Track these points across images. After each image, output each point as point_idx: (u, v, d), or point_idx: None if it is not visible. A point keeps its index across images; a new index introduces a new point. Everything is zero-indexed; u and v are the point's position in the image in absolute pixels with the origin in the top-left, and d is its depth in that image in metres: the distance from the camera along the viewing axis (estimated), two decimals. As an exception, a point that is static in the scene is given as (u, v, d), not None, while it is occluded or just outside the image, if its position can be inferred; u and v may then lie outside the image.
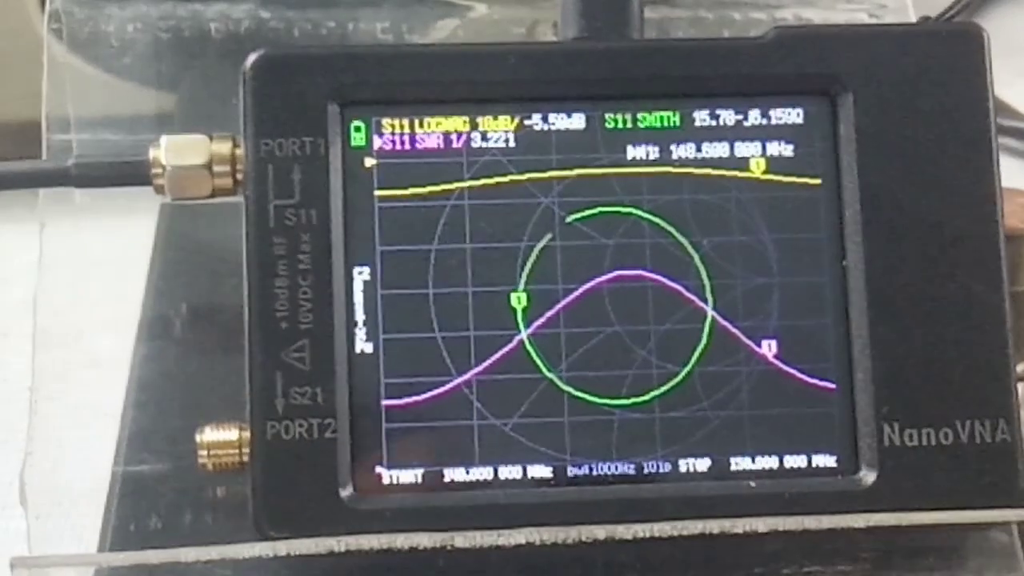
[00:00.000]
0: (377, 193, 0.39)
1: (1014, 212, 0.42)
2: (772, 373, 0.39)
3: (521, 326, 0.39)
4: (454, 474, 0.38)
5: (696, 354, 0.39)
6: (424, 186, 0.39)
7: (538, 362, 0.39)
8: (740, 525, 0.37)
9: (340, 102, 0.39)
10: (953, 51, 0.40)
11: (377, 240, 0.39)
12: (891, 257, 0.39)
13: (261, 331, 0.38)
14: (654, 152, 0.40)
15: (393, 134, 0.39)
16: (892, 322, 0.38)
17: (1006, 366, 0.38)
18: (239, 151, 0.39)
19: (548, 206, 0.39)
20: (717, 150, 0.40)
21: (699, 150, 0.40)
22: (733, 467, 0.38)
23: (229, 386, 0.39)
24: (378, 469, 0.38)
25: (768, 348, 0.39)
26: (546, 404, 0.38)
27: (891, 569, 0.38)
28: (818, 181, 0.40)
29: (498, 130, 0.39)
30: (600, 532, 0.36)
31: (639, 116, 0.40)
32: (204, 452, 0.38)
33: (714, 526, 0.37)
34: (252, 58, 0.39)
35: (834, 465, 0.39)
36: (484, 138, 0.39)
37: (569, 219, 0.39)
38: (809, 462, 0.39)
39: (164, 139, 0.39)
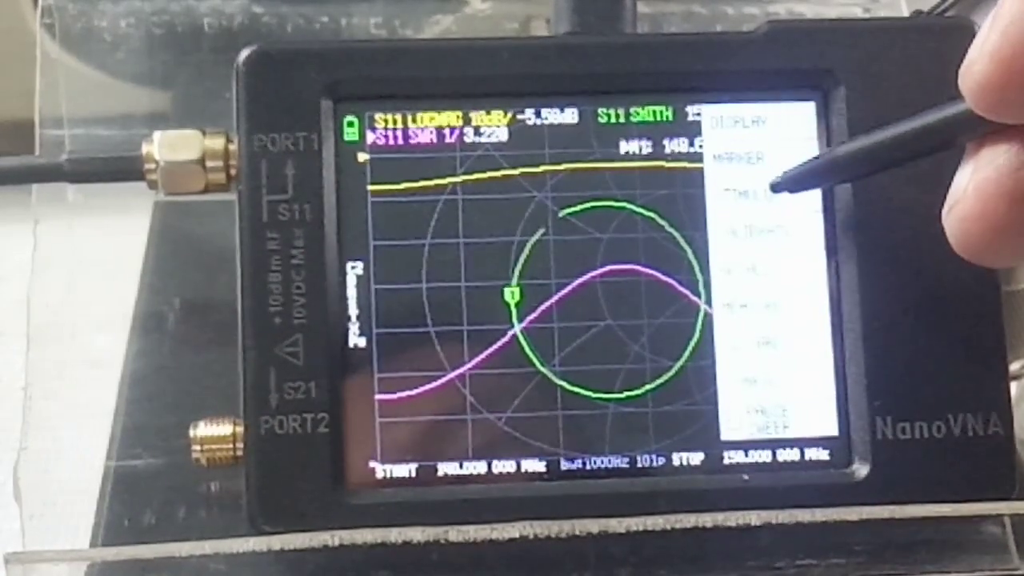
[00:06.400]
0: (370, 188, 0.39)
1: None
2: (765, 367, 0.39)
3: (514, 320, 0.39)
4: (447, 468, 0.38)
5: (689, 348, 0.39)
6: (417, 181, 0.39)
7: (531, 356, 0.39)
8: (733, 519, 0.37)
9: (333, 97, 0.39)
10: (945, 45, 0.40)
11: (370, 235, 0.39)
12: (884, 251, 0.39)
13: (254, 326, 0.38)
14: (647, 146, 0.40)
15: (386, 129, 0.39)
16: (885, 316, 0.39)
17: (998, 359, 0.39)
18: (232, 146, 0.39)
19: (541, 200, 0.39)
20: (710, 144, 0.40)
21: (692, 144, 0.40)
22: (726, 461, 0.39)
23: (223, 381, 0.39)
24: (371, 464, 0.38)
25: (761, 342, 0.39)
26: (539, 398, 0.38)
27: (884, 562, 0.38)
28: (811, 175, 0.40)
29: (491, 125, 0.39)
30: (593, 526, 0.36)
31: (632, 110, 0.40)
32: (198, 447, 0.38)
33: (707, 520, 0.37)
34: (245, 53, 0.39)
35: (827, 458, 0.39)
36: (477, 133, 0.39)
37: (562, 213, 0.39)
38: (802, 455, 0.39)
39: (157, 134, 0.39)
